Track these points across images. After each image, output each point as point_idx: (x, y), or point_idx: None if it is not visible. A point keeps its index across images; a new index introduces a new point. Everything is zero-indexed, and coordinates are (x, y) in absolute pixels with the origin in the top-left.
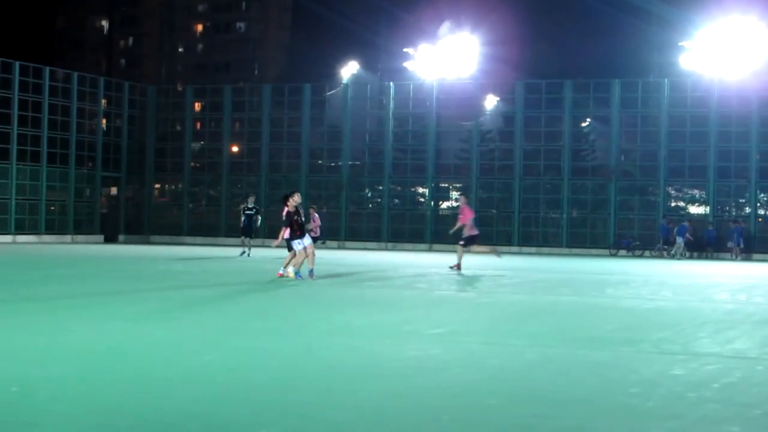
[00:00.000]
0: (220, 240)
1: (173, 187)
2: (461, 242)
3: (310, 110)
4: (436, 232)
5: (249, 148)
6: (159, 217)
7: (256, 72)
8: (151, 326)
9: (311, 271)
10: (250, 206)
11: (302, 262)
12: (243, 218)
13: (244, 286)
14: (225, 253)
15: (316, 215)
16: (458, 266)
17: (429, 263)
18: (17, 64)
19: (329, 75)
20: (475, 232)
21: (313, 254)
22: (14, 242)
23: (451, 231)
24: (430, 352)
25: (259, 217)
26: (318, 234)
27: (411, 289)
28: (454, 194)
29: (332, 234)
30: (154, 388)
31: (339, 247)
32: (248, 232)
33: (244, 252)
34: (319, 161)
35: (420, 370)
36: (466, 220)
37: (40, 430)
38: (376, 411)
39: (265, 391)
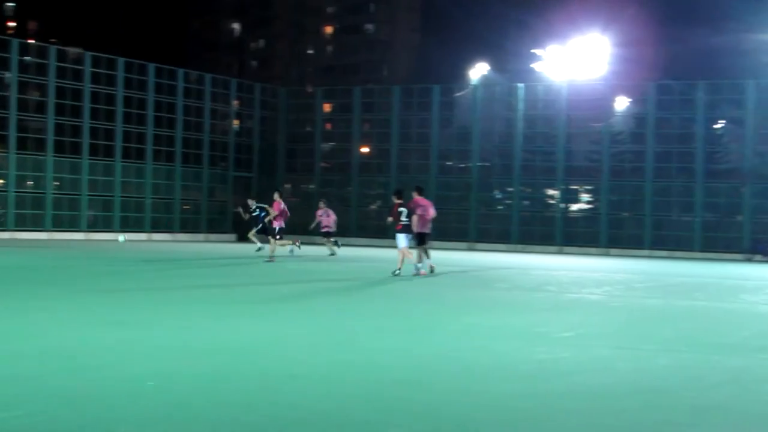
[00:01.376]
0: (350, 240)
1: (303, 187)
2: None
3: (439, 111)
4: (567, 234)
5: (378, 149)
6: (292, 216)
7: (385, 73)
8: (281, 325)
9: (397, 271)
10: (260, 205)
11: (407, 260)
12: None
13: (370, 286)
14: (351, 254)
15: (330, 210)
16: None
17: (558, 265)
18: (152, 66)
19: (458, 76)
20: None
21: (408, 255)
22: (149, 240)
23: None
24: (559, 355)
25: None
26: (333, 229)
27: (540, 292)
28: (585, 197)
29: (461, 235)
30: (286, 386)
31: (468, 249)
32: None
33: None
34: (448, 162)
35: (550, 372)
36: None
37: (176, 422)
38: (505, 412)
39: (396, 389)
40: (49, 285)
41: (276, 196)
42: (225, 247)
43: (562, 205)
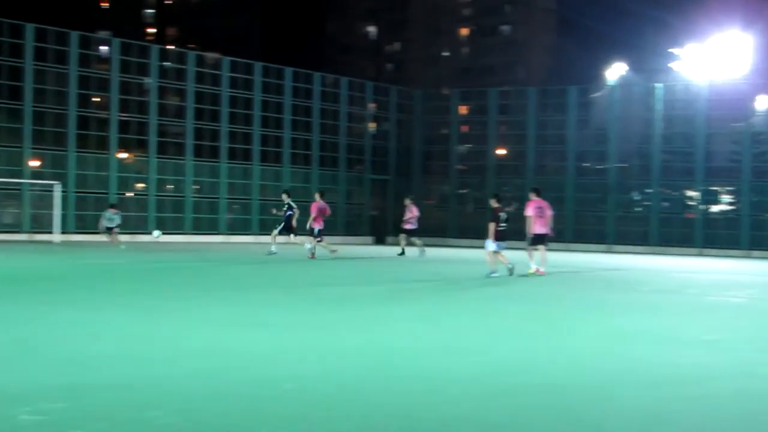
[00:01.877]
0: (482, 242)
1: (439, 189)
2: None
3: (575, 113)
4: (707, 236)
5: (514, 151)
6: (425, 218)
7: (520, 75)
8: (416, 326)
9: (491, 273)
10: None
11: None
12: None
13: (505, 288)
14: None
15: (414, 207)
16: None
17: (699, 268)
18: (289, 70)
19: (594, 77)
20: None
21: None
22: (287, 242)
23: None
24: (701, 360)
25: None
26: (414, 227)
27: (681, 294)
28: (726, 198)
29: (599, 237)
30: (421, 388)
31: (606, 251)
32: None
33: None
34: (585, 164)
35: (694, 377)
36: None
37: (315, 424)
38: (649, 418)
39: (533, 393)
40: (186, 286)
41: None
42: (363, 249)
43: (702, 207)
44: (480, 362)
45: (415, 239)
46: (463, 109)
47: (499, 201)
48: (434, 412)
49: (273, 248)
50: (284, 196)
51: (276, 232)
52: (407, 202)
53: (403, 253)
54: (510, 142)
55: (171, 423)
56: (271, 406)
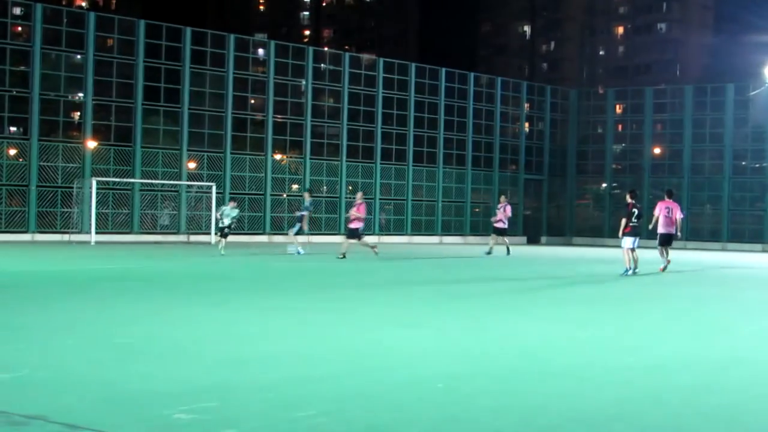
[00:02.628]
0: (642, 242)
1: (594, 188)
2: None
3: (733, 111)
4: None
5: (670, 150)
6: (581, 218)
7: (677, 73)
8: (568, 327)
9: (629, 272)
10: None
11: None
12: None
13: (645, 287)
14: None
15: (508, 206)
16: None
17: None
18: (443, 70)
19: (753, 74)
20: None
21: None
22: (441, 243)
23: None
24: None
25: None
26: (506, 226)
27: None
28: None
29: (756, 237)
30: (577, 388)
31: (763, 251)
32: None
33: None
34: (743, 162)
35: None
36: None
37: (465, 424)
38: None
39: (688, 393)
40: (334, 286)
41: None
42: (516, 249)
43: None
44: (627, 365)
45: (504, 239)
46: (618, 108)
47: (633, 197)
48: (593, 414)
49: (294, 248)
50: (306, 195)
51: (293, 232)
52: (502, 199)
53: (490, 252)
54: (666, 141)
55: (321, 423)
56: (420, 407)
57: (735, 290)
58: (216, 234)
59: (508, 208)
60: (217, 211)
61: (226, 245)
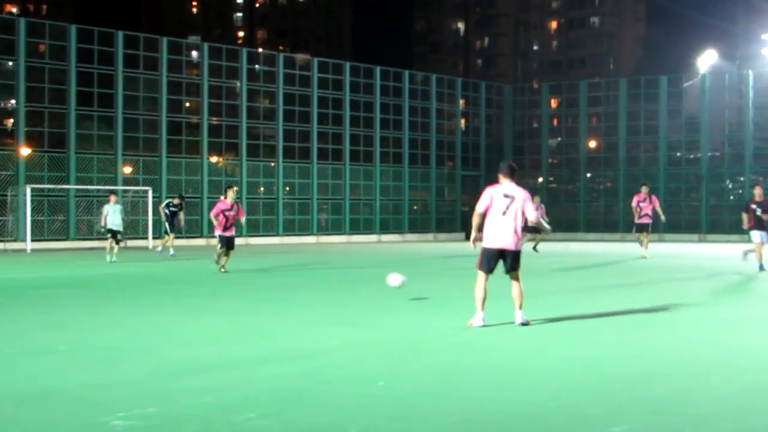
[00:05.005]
0: (579, 236)
1: (531, 183)
2: None
3: (667, 102)
4: None
5: (606, 143)
6: None
7: (611, 66)
8: (506, 320)
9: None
10: (176, 203)
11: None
12: (167, 214)
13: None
14: (586, 249)
15: (542, 206)
16: None
17: None
18: (378, 69)
19: (685, 66)
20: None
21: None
22: (379, 241)
23: None
24: None
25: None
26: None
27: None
28: None
29: (692, 228)
30: (515, 382)
31: (699, 241)
32: (172, 228)
33: (161, 250)
34: (678, 154)
35: None
36: None
37: (406, 422)
38: (740, 407)
39: (624, 385)
40: (278, 287)
41: None
42: (456, 246)
43: (753, 192)
44: (572, 357)
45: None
46: (553, 103)
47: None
48: (531, 407)
49: (165, 250)
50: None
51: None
52: (536, 201)
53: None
54: (601, 134)
55: (261, 425)
56: (361, 406)
57: (672, 281)
58: (107, 237)
59: (542, 207)
60: (100, 212)
61: (119, 251)
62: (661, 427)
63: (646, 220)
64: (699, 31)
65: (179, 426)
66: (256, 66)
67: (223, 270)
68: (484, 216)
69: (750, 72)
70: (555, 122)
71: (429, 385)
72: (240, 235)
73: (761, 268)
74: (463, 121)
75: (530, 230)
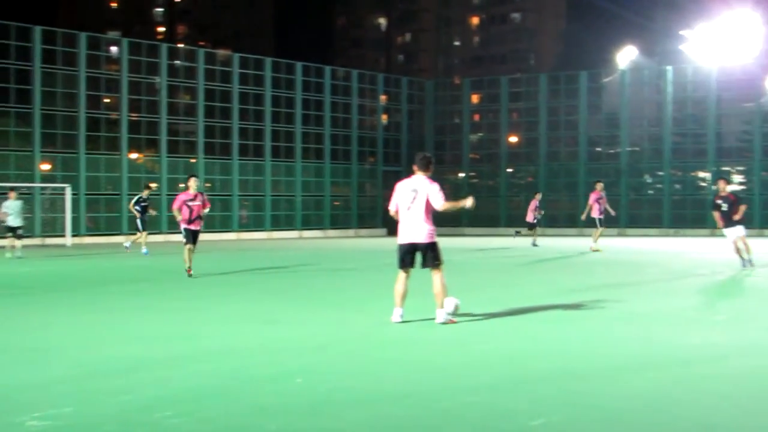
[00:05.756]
0: (500, 230)
1: (452, 178)
2: None
3: (587, 98)
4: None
5: (527, 138)
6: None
7: (532, 62)
8: (422, 318)
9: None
10: (145, 197)
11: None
12: (139, 210)
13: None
14: (504, 243)
15: (540, 196)
16: None
17: (711, 248)
18: (299, 65)
19: (605, 61)
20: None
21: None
22: (300, 237)
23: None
24: (712, 339)
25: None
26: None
27: (693, 276)
28: (737, 178)
29: (611, 221)
30: (434, 377)
31: (619, 235)
32: (144, 225)
33: (128, 245)
34: (598, 148)
35: (701, 357)
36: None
37: (325, 418)
38: (655, 399)
39: (543, 379)
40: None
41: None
42: (377, 242)
43: (714, 187)
44: (485, 351)
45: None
46: (474, 98)
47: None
48: (445, 402)
49: (135, 247)
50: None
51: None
52: (539, 197)
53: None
54: (522, 130)
55: (179, 423)
56: (280, 403)
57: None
58: (8, 235)
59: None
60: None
61: (21, 248)
62: (579, 421)
63: (601, 216)
64: (619, 28)
65: (95, 426)
66: (177, 62)
67: (189, 273)
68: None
69: (669, 68)
70: (476, 117)
71: (347, 381)
72: (160, 233)
73: (746, 263)
74: (384, 117)
75: (530, 226)
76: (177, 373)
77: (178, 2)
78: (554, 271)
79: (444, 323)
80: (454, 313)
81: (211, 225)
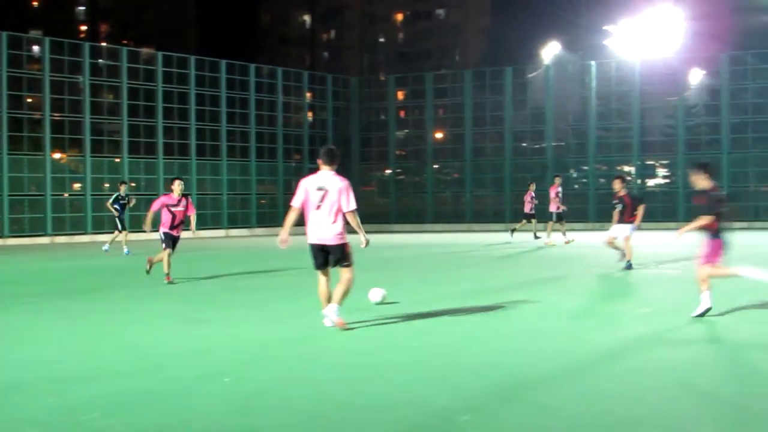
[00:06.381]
0: (427, 227)
1: (379, 175)
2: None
3: (512, 93)
4: (645, 210)
5: (452, 134)
6: (366, 205)
7: (457, 58)
8: (352, 316)
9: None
10: (123, 195)
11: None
12: (117, 209)
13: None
14: (433, 240)
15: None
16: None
17: (637, 242)
18: (224, 62)
19: (530, 57)
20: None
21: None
22: (227, 236)
23: None
24: (637, 332)
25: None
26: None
27: (617, 269)
28: (661, 171)
29: (539, 216)
30: (363, 375)
31: (545, 229)
32: (123, 224)
33: (107, 248)
34: (523, 144)
35: (627, 350)
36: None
37: (255, 416)
38: (582, 392)
39: (472, 375)
40: (122, 287)
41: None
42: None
43: (639, 181)
44: (418, 348)
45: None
46: (400, 95)
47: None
48: (378, 398)
49: (114, 247)
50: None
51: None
52: (532, 189)
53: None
54: (448, 126)
55: (107, 425)
56: (207, 402)
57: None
58: None
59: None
60: None
61: None
62: (508, 415)
63: (560, 210)
64: (543, 23)
65: (20, 428)
66: (100, 60)
67: (168, 280)
68: (301, 211)
69: (593, 63)
70: (402, 114)
71: (275, 381)
72: (86, 233)
73: (626, 262)
74: (310, 114)
75: (558, 218)
76: (103, 374)
77: (100, 1)
78: (483, 266)
79: (332, 322)
80: (381, 303)
81: (138, 224)
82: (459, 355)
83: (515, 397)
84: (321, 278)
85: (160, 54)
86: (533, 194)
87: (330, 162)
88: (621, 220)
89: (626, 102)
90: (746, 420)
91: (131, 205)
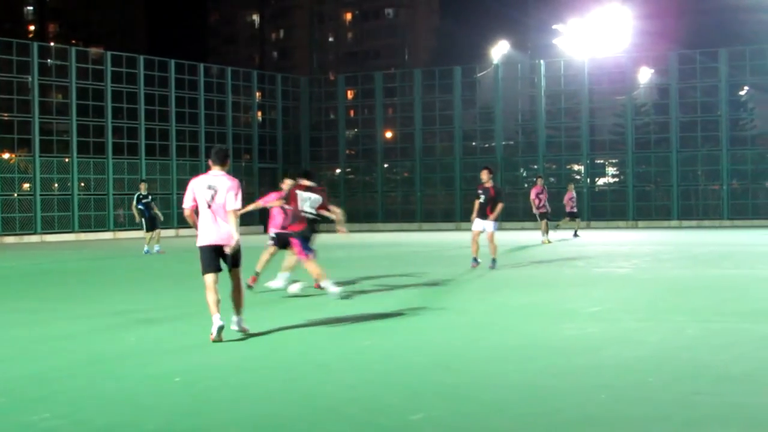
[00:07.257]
0: (378, 226)
1: (329, 174)
2: None
3: (461, 93)
4: (594, 209)
5: (402, 134)
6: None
7: (406, 57)
8: (302, 315)
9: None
10: (144, 194)
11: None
12: (141, 209)
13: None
14: (383, 240)
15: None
16: None
17: (586, 240)
18: (173, 62)
19: (479, 56)
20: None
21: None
22: (177, 236)
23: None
24: (587, 331)
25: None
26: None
27: (569, 268)
28: (611, 170)
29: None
30: (314, 375)
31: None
32: (154, 224)
33: (147, 250)
34: (473, 143)
35: (578, 349)
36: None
37: (204, 417)
38: (533, 391)
39: (422, 374)
40: (73, 287)
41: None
42: (253, 239)
43: (588, 180)
44: (367, 347)
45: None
46: (349, 94)
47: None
48: (328, 399)
49: (148, 249)
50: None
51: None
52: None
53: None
54: (397, 125)
55: (57, 425)
56: (157, 402)
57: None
58: None
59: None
60: None
61: None
62: (458, 414)
63: (544, 210)
64: (492, 22)
65: None
66: (48, 60)
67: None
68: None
69: (541, 62)
70: (351, 113)
71: (225, 380)
72: (35, 233)
73: (474, 260)
74: (259, 114)
75: (570, 216)
76: (52, 374)
77: (48, 0)
78: (432, 264)
79: (240, 331)
80: (298, 294)
81: (87, 225)
82: (406, 354)
83: (465, 395)
84: (210, 283)
85: (109, 54)
86: (542, 191)
87: (221, 162)
88: (482, 214)
89: (575, 101)
90: (697, 419)
91: (158, 213)
